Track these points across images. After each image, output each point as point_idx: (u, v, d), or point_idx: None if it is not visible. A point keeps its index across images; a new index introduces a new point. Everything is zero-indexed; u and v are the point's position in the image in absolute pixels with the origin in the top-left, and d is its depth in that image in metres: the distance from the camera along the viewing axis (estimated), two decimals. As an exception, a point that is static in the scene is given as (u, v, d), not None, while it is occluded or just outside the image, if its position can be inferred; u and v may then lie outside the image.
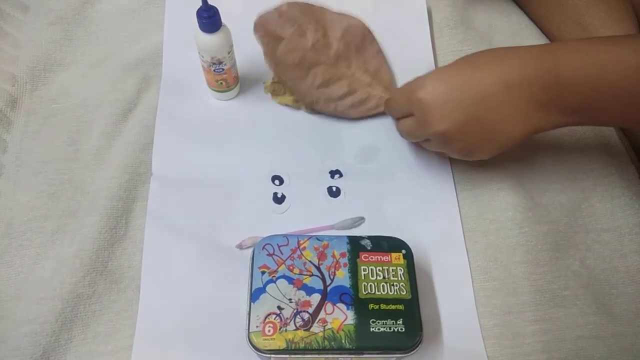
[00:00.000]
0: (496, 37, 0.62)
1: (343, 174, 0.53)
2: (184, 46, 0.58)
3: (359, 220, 0.51)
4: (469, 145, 0.45)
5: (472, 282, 0.48)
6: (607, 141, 0.55)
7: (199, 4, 0.47)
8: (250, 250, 0.48)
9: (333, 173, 0.53)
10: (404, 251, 0.44)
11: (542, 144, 0.54)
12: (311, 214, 0.51)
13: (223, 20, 0.49)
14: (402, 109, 0.47)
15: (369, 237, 0.45)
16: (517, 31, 0.62)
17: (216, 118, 0.56)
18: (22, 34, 0.59)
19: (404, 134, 0.49)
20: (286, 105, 0.56)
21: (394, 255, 0.44)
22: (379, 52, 0.58)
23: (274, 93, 0.56)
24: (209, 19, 0.47)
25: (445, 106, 0.43)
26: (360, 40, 0.57)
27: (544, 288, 0.48)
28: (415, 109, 0.45)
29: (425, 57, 0.59)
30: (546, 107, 0.42)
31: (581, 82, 0.40)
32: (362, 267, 0.43)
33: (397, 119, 0.50)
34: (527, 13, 0.63)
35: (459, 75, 0.43)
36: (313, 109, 0.56)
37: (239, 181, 0.53)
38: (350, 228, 0.50)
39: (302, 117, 0.56)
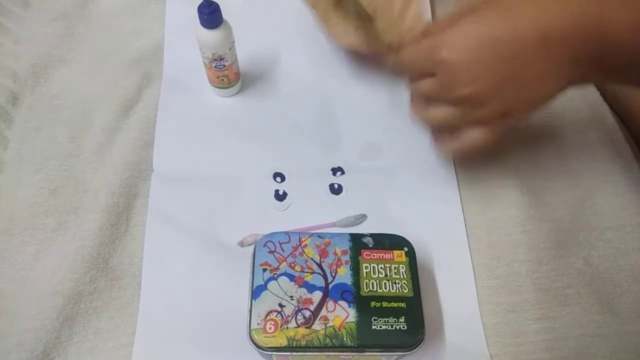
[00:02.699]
0: None
1: (345, 171, 0.53)
2: (185, 42, 0.57)
3: (361, 218, 0.50)
4: (504, 107, 0.39)
5: (475, 280, 0.48)
6: (611, 138, 0.55)
7: (200, 0, 0.47)
8: (252, 247, 0.48)
9: (335, 170, 0.53)
10: (406, 249, 0.44)
11: (546, 141, 0.54)
12: (313, 211, 0.51)
13: (224, 16, 0.49)
14: (422, 67, 0.41)
15: (371, 235, 0.44)
16: None
17: (217, 114, 0.55)
18: (24, 29, 0.59)
19: (420, 98, 0.42)
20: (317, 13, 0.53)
21: (396, 252, 0.43)
22: None
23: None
24: (210, 15, 0.47)
25: (475, 67, 0.37)
26: None
27: (547, 286, 0.47)
28: (439, 69, 0.39)
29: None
30: (587, 64, 0.37)
31: (626, 43, 0.36)
32: (364, 265, 0.43)
33: (412, 79, 0.43)
34: None
35: (490, 28, 0.37)
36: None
37: (241, 178, 0.52)
38: (353, 225, 0.50)
39: (304, 113, 0.56)
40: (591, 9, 0.36)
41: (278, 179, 0.53)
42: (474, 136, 0.41)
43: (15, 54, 0.58)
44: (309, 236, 0.45)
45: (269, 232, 0.45)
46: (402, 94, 0.54)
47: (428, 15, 0.58)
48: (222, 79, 0.54)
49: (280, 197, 0.52)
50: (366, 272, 0.43)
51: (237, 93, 0.57)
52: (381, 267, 0.43)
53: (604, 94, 0.57)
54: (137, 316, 0.45)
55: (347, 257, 0.43)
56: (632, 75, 0.38)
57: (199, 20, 0.48)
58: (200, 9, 0.47)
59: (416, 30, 0.46)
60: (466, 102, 0.39)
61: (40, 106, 0.55)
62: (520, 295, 0.47)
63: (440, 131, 0.44)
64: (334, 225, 0.50)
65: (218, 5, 0.47)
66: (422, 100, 0.42)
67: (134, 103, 0.55)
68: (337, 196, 0.52)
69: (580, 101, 0.57)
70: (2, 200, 0.50)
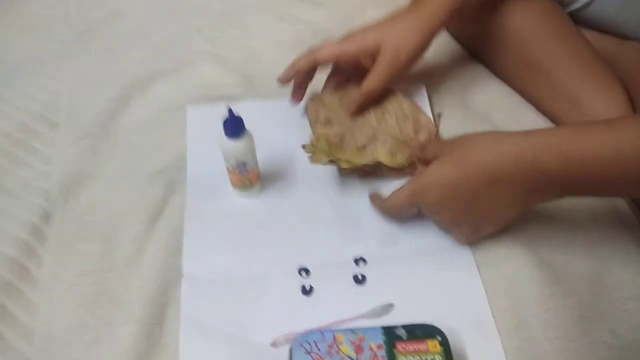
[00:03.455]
0: (495, 116, 0.66)
1: (367, 260, 0.55)
2: (207, 150, 0.61)
3: (389, 307, 0.52)
4: (473, 228, 0.53)
5: (508, 362, 0.48)
6: (618, 208, 0.57)
7: (217, 110, 0.51)
8: (285, 347, 0.49)
9: (357, 260, 0.55)
10: (439, 338, 0.45)
11: (556, 216, 0.56)
12: (340, 303, 0.52)
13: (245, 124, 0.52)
14: (404, 208, 0.55)
15: (404, 326, 0.46)
16: (514, 111, 0.66)
17: (241, 216, 0.58)
18: (52, 149, 0.63)
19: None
20: (323, 163, 0.57)
21: (430, 342, 0.44)
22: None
23: (310, 152, 0.58)
24: (234, 127, 0.51)
25: (443, 203, 0.50)
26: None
27: (579, 363, 0.48)
28: (422, 207, 0.53)
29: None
30: (534, 192, 0.48)
31: (557, 175, 0.45)
32: (400, 358, 0.44)
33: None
34: (520, 93, 0.67)
35: (449, 173, 0.49)
36: (350, 164, 0.58)
37: (268, 276, 0.54)
38: (381, 316, 0.51)
39: (322, 207, 0.59)
40: (526, 155, 0.46)
41: (303, 273, 0.54)
42: (458, 237, 0.55)
43: (46, 173, 0.61)
44: (343, 332, 0.46)
45: (303, 331, 0.46)
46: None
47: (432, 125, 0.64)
48: (245, 182, 0.57)
49: (307, 291, 0.53)
50: (403, 365, 0.43)
51: (259, 193, 0.59)
52: (417, 359, 0.44)
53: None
54: None
55: (382, 352, 0.44)
56: (579, 195, 0.49)
57: (223, 131, 0.52)
58: (225, 122, 0.51)
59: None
60: (442, 226, 0.55)
61: (71, 223, 0.57)
62: (553, 374, 0.48)
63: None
64: (362, 317, 0.51)
65: (241, 118, 0.51)
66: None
67: (160, 212, 0.58)
68: (362, 286, 0.53)
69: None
70: (38, 318, 0.51)
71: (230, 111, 0.50)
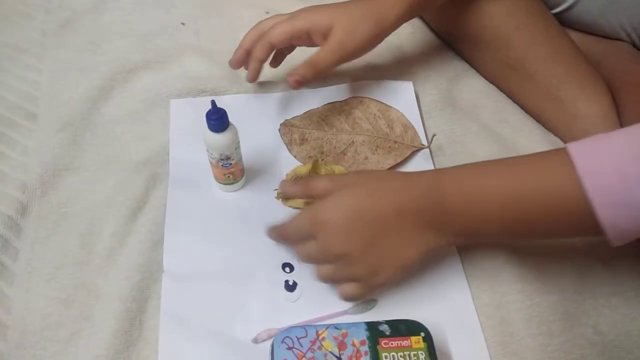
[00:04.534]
0: (482, 114, 0.66)
1: (351, 257, 0.54)
2: (189, 143, 0.60)
3: (372, 303, 0.51)
4: (372, 267, 0.48)
5: (490, 358, 0.48)
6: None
7: (201, 104, 0.50)
8: (266, 343, 0.48)
9: (342, 257, 0.54)
10: (422, 334, 0.44)
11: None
12: (323, 299, 0.52)
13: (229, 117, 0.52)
14: (304, 231, 0.49)
15: (387, 322, 0.45)
16: (499, 108, 0.66)
17: (224, 210, 0.57)
18: (31, 141, 0.62)
19: (304, 257, 0.51)
20: (297, 208, 0.57)
21: (413, 339, 0.44)
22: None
23: (285, 198, 0.58)
24: (218, 120, 0.50)
25: (346, 231, 0.46)
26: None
27: (561, 358, 0.48)
28: (319, 230, 0.47)
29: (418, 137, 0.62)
30: (438, 231, 0.47)
31: (464, 213, 0.45)
32: (383, 354, 0.43)
33: (296, 244, 0.51)
34: (504, 92, 0.67)
35: (359, 202, 0.47)
36: None
37: (251, 272, 0.53)
38: (364, 312, 0.51)
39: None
40: (434, 191, 0.46)
41: (287, 269, 0.54)
42: (348, 290, 0.49)
43: (24, 165, 0.59)
44: (326, 328, 0.45)
45: (283, 326, 0.46)
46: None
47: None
48: (228, 176, 0.56)
49: (290, 287, 0.53)
50: (386, 361, 0.43)
51: (242, 187, 0.59)
52: (400, 355, 0.43)
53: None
54: None
55: (365, 348, 0.44)
56: (480, 237, 0.49)
57: (206, 125, 0.51)
58: (209, 115, 0.50)
59: None
60: (340, 260, 0.48)
61: (49, 215, 0.56)
62: (536, 370, 0.48)
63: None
64: (345, 313, 0.51)
65: (225, 112, 0.50)
66: (309, 262, 0.51)
67: (142, 205, 0.57)
68: (346, 283, 0.53)
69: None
70: (13, 313, 0.50)
71: (213, 104, 0.50)
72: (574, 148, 0.40)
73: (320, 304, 0.51)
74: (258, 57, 0.59)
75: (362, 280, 0.48)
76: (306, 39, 0.58)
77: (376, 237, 0.46)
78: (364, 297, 0.50)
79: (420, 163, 0.60)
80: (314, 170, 0.59)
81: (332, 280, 0.50)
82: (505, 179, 0.44)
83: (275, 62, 0.64)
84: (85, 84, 0.66)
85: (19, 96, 0.66)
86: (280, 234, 0.52)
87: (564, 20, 0.68)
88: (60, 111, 0.64)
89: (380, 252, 0.47)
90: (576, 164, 0.39)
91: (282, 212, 0.57)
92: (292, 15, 0.58)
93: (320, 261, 0.49)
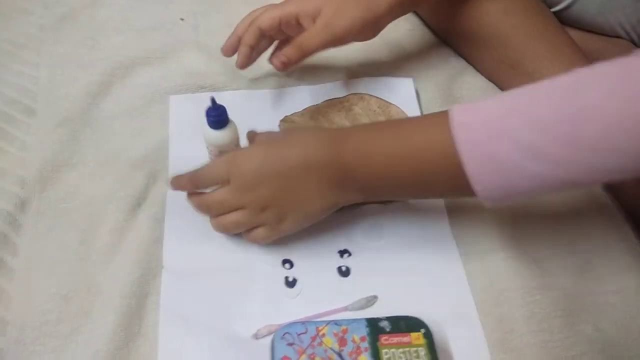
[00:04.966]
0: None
1: (352, 252, 0.54)
2: (189, 139, 0.60)
3: (372, 299, 0.51)
4: (280, 213, 0.50)
5: (490, 355, 0.48)
6: (601, 203, 0.58)
7: (200, 100, 0.50)
8: (267, 339, 0.48)
9: (342, 252, 0.54)
10: (423, 330, 0.44)
11: (539, 211, 0.56)
12: (323, 295, 0.52)
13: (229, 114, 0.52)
14: (220, 175, 0.51)
15: (387, 318, 0.45)
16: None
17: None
18: (30, 136, 0.61)
19: (213, 203, 0.52)
20: None
21: (413, 335, 0.44)
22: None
23: None
24: (217, 117, 0.50)
25: (259, 176, 0.49)
26: None
27: (561, 355, 0.48)
28: (233, 175, 0.50)
29: None
30: (340, 185, 0.49)
31: (358, 169, 0.47)
32: (383, 351, 0.43)
33: (208, 190, 0.52)
34: (502, 90, 0.67)
35: (272, 151, 0.50)
36: None
37: (250, 268, 0.53)
38: (364, 308, 0.51)
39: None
40: (337, 144, 0.48)
41: (287, 265, 0.54)
42: (256, 234, 0.52)
43: (23, 160, 0.59)
44: (326, 324, 0.45)
45: (282, 322, 0.46)
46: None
47: None
48: None
49: (290, 283, 0.53)
50: (386, 357, 0.43)
51: None
52: (401, 352, 0.43)
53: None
54: (155, 421, 0.44)
55: (366, 344, 0.44)
56: (378, 194, 0.51)
57: (206, 121, 0.51)
58: (208, 112, 0.50)
59: None
60: (252, 205, 0.50)
61: (49, 211, 0.56)
62: (536, 366, 0.48)
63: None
64: (345, 309, 0.51)
65: (224, 108, 0.50)
66: (218, 210, 0.52)
67: (142, 201, 0.57)
68: (346, 278, 0.53)
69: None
70: (13, 309, 0.49)
71: (213, 101, 0.49)
72: (454, 107, 0.42)
73: (320, 300, 0.51)
74: (247, 42, 0.59)
75: (269, 225, 0.51)
76: (295, 25, 0.58)
77: (285, 186, 0.49)
78: (270, 240, 0.53)
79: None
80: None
81: (241, 225, 0.52)
82: (392, 137, 0.47)
83: (242, 64, 0.62)
84: (83, 80, 0.66)
85: (17, 91, 0.65)
86: (194, 179, 0.52)
87: (563, 19, 0.68)
88: (59, 107, 0.64)
89: (288, 200, 0.49)
90: (450, 118, 0.41)
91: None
92: (283, 2, 0.59)
93: (231, 207, 0.51)
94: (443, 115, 0.42)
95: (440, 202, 0.57)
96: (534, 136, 0.38)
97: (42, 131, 0.62)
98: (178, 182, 0.52)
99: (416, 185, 0.47)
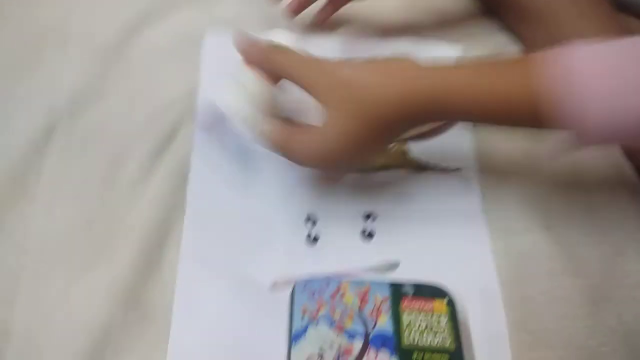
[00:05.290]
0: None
1: (377, 216, 0.53)
2: (220, 85, 0.58)
3: (394, 265, 0.50)
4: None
5: (509, 334, 0.47)
6: (636, 196, 0.56)
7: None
8: (284, 291, 0.47)
9: (367, 216, 0.53)
10: (446, 298, 0.43)
11: (575, 197, 0.55)
12: (344, 255, 0.51)
13: None
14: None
15: (410, 283, 0.44)
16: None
17: (251, 155, 0.56)
18: (62, 64, 0.60)
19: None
20: None
21: (436, 302, 0.43)
22: None
23: None
24: None
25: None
26: None
27: (582, 344, 0.47)
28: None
29: None
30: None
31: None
32: (404, 314, 0.42)
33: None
34: None
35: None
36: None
37: (273, 219, 0.52)
38: (384, 272, 0.50)
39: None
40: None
41: (310, 221, 0.53)
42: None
43: (53, 86, 0.58)
44: (348, 282, 0.44)
45: (306, 276, 0.45)
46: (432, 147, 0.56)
47: None
48: None
49: (311, 240, 0.52)
50: (407, 321, 0.42)
51: None
52: (422, 317, 0.42)
53: (628, 154, 0.58)
54: (166, 357, 0.44)
55: (387, 305, 0.43)
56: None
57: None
58: None
59: None
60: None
61: (75, 140, 0.55)
62: (554, 351, 0.47)
63: None
64: (366, 271, 0.50)
65: None
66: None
67: (169, 143, 0.55)
68: (369, 241, 0.52)
69: (602, 160, 0.58)
70: (33, 231, 0.49)
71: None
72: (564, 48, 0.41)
73: (340, 260, 0.50)
74: None
75: None
76: None
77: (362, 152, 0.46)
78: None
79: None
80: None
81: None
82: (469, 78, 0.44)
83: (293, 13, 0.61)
84: (120, 13, 0.64)
85: (51, 18, 0.64)
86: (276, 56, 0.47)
87: (618, 6, 0.65)
88: (94, 38, 0.62)
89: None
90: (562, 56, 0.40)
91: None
92: None
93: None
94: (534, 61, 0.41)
95: (473, 174, 0.55)
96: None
97: (74, 60, 0.60)
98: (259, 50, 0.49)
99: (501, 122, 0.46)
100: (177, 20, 0.65)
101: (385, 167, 0.55)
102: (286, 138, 0.47)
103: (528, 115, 0.42)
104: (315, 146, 0.45)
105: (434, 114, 0.45)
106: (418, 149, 0.56)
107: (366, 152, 0.47)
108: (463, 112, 0.45)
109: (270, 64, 0.47)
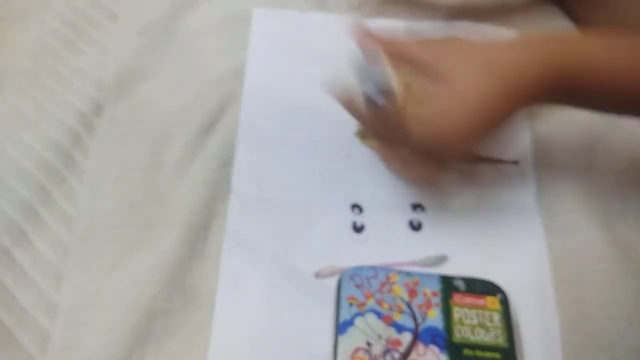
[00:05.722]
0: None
1: (425, 208, 0.52)
2: (267, 65, 0.57)
3: (442, 259, 0.49)
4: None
5: (561, 335, 0.46)
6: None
7: (283, 24, 0.46)
8: (327, 280, 0.47)
9: (415, 206, 0.52)
10: (499, 296, 0.42)
11: (634, 194, 0.52)
12: (391, 246, 0.49)
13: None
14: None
15: (462, 278, 0.43)
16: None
17: (299, 138, 0.55)
18: (110, 41, 0.60)
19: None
20: (372, 148, 0.54)
21: (489, 299, 0.42)
22: None
23: (362, 136, 0.54)
24: None
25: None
26: None
27: (637, 346, 0.45)
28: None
29: None
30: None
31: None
32: (455, 309, 0.41)
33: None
34: None
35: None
36: None
37: (319, 205, 0.51)
38: (433, 266, 0.49)
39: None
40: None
41: (356, 210, 0.51)
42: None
43: (101, 64, 0.58)
44: (397, 273, 0.43)
45: (346, 265, 0.44)
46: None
47: None
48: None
49: (357, 229, 0.51)
50: (458, 316, 0.41)
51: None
52: (474, 313, 0.41)
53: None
54: (210, 339, 0.44)
55: (437, 300, 0.42)
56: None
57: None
58: None
59: None
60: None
61: (123, 118, 0.55)
62: (608, 353, 0.45)
63: None
64: (413, 264, 0.49)
65: None
66: None
67: (215, 122, 0.55)
68: (416, 233, 0.51)
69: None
70: (81, 208, 0.49)
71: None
72: None
73: (386, 250, 0.49)
74: None
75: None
76: None
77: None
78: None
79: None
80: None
81: None
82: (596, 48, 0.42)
83: None
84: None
85: (100, -4, 0.64)
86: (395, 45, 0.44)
87: None
88: (142, 15, 0.62)
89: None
90: None
91: (360, 151, 0.54)
92: None
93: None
94: None
95: (530, 168, 0.53)
96: None
97: (122, 37, 0.60)
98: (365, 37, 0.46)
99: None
100: (224, -1, 0.64)
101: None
102: (417, 103, 0.42)
103: None
104: (451, 107, 0.41)
105: (567, 89, 0.42)
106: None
107: (493, 127, 0.43)
108: (596, 85, 0.42)
109: (404, 54, 0.44)
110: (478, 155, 0.52)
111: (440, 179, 0.49)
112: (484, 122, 0.41)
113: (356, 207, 0.52)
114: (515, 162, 0.52)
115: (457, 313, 0.41)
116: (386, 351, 0.39)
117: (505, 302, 0.42)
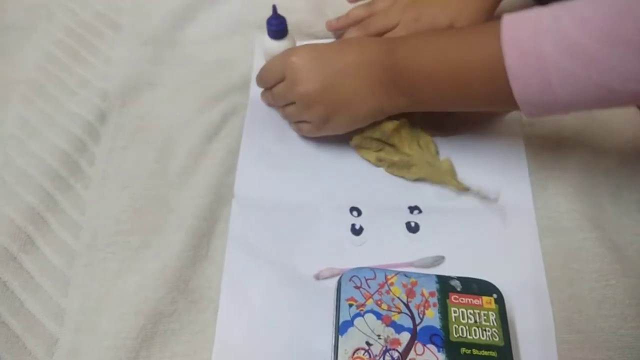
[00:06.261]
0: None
1: (422, 210, 0.53)
2: None
3: (439, 259, 0.50)
4: (327, 112, 0.51)
5: (556, 333, 0.47)
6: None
7: None
8: (327, 281, 0.48)
9: (412, 209, 0.53)
10: (495, 295, 0.43)
11: (628, 197, 0.53)
12: (389, 248, 0.51)
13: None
14: (276, 73, 0.53)
15: (459, 278, 0.44)
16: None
17: (299, 146, 0.56)
18: (114, 51, 0.62)
19: (275, 97, 0.55)
20: (368, 160, 0.55)
21: (485, 298, 0.43)
22: None
23: (358, 147, 0.56)
24: (278, 27, 0.54)
25: (311, 70, 0.50)
26: None
27: (631, 345, 0.46)
28: (287, 70, 0.51)
29: None
30: (388, 87, 0.49)
31: (406, 70, 0.48)
32: (452, 309, 0.42)
33: (270, 88, 0.55)
34: None
35: (326, 50, 0.51)
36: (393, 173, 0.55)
37: (318, 209, 0.53)
38: (430, 267, 0.50)
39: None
40: (390, 46, 0.49)
41: (355, 212, 0.53)
42: (302, 127, 0.54)
43: (106, 74, 0.60)
44: (395, 274, 0.44)
45: (345, 266, 0.45)
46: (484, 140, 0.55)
47: None
48: None
49: (356, 231, 0.52)
50: (455, 316, 0.42)
51: None
52: (470, 313, 0.42)
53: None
54: (213, 341, 0.45)
55: (434, 299, 0.43)
56: (420, 96, 0.49)
57: (266, 31, 0.54)
58: (269, 20, 0.53)
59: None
60: (300, 100, 0.51)
61: (127, 126, 0.56)
62: (602, 352, 0.46)
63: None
64: (411, 265, 0.50)
65: (284, 19, 0.53)
66: (278, 103, 0.55)
67: (218, 130, 0.56)
68: (414, 235, 0.52)
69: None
70: (87, 214, 0.51)
71: (274, 9, 0.53)
72: (505, 15, 0.42)
73: (385, 252, 0.50)
74: (354, 17, 0.59)
75: (315, 123, 0.52)
76: None
77: (334, 84, 0.50)
78: (313, 136, 0.55)
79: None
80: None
81: (292, 118, 0.55)
82: (443, 41, 0.48)
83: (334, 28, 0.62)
84: (170, 1, 0.65)
85: (104, 5, 0.65)
86: (260, 77, 0.56)
87: None
88: (145, 25, 0.63)
89: (335, 99, 0.50)
90: (501, 23, 0.41)
91: (357, 155, 0.55)
92: None
93: (285, 100, 0.53)
94: (495, 24, 0.42)
95: (524, 171, 0.54)
96: (575, 32, 0.38)
97: (126, 47, 0.62)
98: (256, 82, 0.57)
99: (458, 87, 0.47)
100: (226, 8, 0.65)
101: (429, 179, 0.54)
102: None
103: (485, 78, 0.43)
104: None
105: (399, 81, 0.48)
106: (466, 148, 0.56)
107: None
108: (420, 79, 0.48)
109: None
110: (465, 186, 0.53)
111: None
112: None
113: (355, 209, 0.53)
114: (496, 199, 0.53)
115: (454, 313, 0.42)
116: (385, 351, 0.40)
117: (501, 302, 0.43)
